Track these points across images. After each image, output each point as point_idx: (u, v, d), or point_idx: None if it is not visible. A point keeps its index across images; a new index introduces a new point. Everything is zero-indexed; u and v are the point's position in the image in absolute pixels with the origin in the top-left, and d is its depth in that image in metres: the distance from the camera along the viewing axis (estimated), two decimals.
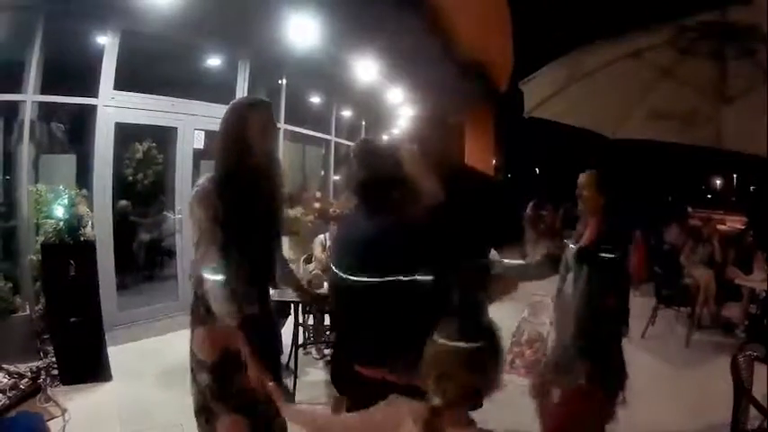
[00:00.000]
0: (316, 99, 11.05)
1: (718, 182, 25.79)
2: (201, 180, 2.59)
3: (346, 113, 12.18)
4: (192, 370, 2.81)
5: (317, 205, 7.43)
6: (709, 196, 19.62)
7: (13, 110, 5.66)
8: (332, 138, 11.00)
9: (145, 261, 8.55)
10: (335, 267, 2.38)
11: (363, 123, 13.31)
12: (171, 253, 7.78)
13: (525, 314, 6.47)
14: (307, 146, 10.96)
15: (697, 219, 10.27)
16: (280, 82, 8.74)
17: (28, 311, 5.25)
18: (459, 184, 2.37)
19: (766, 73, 3.71)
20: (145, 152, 7.90)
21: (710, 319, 7.43)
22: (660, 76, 4.19)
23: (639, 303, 7.48)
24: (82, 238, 4.96)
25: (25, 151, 5.49)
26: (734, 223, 11.73)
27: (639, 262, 9.61)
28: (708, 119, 4.32)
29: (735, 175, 26.05)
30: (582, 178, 3.77)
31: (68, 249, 4.85)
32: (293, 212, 7.28)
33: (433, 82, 9.51)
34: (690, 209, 11.67)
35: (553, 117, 4.91)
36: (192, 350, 2.76)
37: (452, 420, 1.61)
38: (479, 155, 13.47)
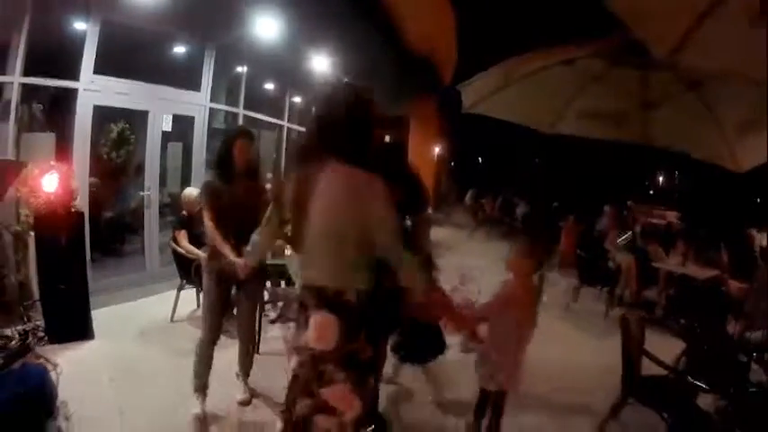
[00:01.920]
0: (270, 86, 11.71)
1: (660, 179, 27.15)
2: None
3: (297, 100, 12.64)
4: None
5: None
6: (651, 192, 20.75)
7: None
8: (285, 123, 11.58)
9: (113, 235, 8.83)
10: None
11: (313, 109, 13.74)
12: (137, 228, 8.12)
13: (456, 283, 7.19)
14: (261, 130, 11.44)
15: (635, 212, 11.13)
16: (240, 70, 9.32)
17: (13, 279, 5.58)
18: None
19: (687, 84, 4.52)
20: (119, 132, 8.34)
21: (632, 298, 8.27)
22: (590, 81, 5.01)
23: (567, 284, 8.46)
24: (72, 209, 5.39)
25: (11, 129, 5.90)
26: (672, 218, 12.67)
27: (570, 247, 10.52)
28: (634, 120, 5.17)
29: (677, 173, 27.53)
30: None
31: (60, 220, 5.25)
32: None
33: (380, 74, 10.14)
34: (631, 203, 12.41)
35: (490, 113, 5.68)
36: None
37: None
38: (422, 144, 14.00)
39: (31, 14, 5.90)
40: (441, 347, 3.95)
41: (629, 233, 8.99)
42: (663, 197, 17.56)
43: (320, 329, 2.48)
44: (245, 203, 3.93)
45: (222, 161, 4.01)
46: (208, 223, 3.95)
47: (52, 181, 5.28)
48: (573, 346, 6.07)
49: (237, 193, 3.98)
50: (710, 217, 11.07)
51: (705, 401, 3.59)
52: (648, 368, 3.90)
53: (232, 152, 3.96)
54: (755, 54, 2.60)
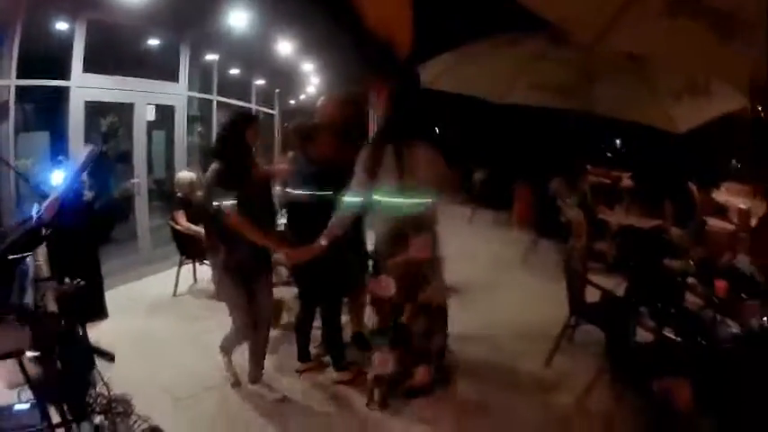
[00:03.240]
0: (237, 72, 12.01)
1: (618, 142, 28.14)
2: None
3: (261, 83, 13.08)
4: None
5: None
6: (609, 155, 21.40)
7: None
8: (253, 106, 12.05)
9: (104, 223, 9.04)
10: None
11: (277, 91, 14.34)
12: (127, 215, 8.44)
13: None
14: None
15: (593, 174, 11.96)
16: (211, 59, 9.76)
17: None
18: None
19: (628, 57, 5.11)
20: (108, 126, 8.70)
21: (582, 249, 8.99)
22: (537, 58, 5.58)
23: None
24: (84, 199, 5.67)
25: (11, 130, 6.28)
26: (626, 178, 13.51)
27: (526, 206, 11.38)
28: (579, 90, 5.71)
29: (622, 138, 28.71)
30: None
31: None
32: None
33: (340, 56, 10.66)
34: (589, 166, 13.17)
35: (447, 89, 6.29)
36: None
37: None
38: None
39: (23, 20, 6.23)
40: None
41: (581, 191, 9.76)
42: (619, 160, 18.29)
43: (423, 244, 3.77)
44: (264, 189, 4.10)
45: (237, 148, 3.90)
46: (233, 215, 3.74)
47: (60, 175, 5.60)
48: (531, 290, 6.85)
49: (256, 180, 3.98)
50: (656, 174, 11.79)
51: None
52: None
53: (245, 137, 3.91)
54: (675, 42, 3.21)
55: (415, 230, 3.87)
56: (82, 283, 3.11)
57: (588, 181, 10.59)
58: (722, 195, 8.68)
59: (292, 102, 16.65)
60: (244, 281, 3.98)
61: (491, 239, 10.58)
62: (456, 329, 4.55)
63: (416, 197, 3.88)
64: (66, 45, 6.78)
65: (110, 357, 4.32)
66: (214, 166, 3.89)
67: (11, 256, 2.56)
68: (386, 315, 4.05)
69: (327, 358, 4.60)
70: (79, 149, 6.76)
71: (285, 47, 10.12)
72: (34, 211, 2.63)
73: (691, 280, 4.35)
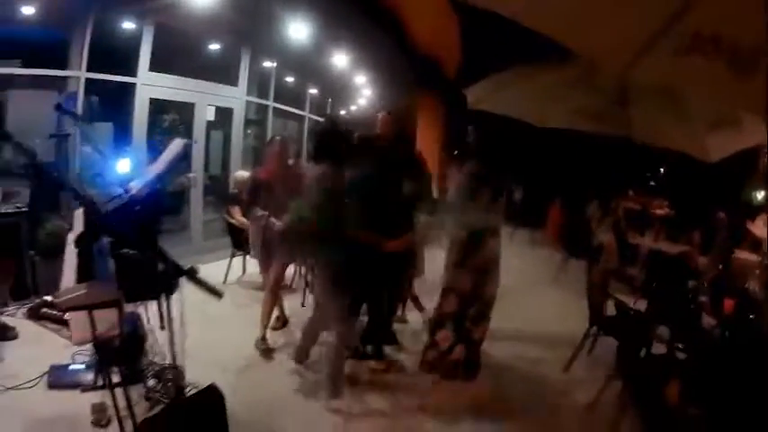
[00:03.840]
0: (292, 80, 12.50)
1: (662, 171, 27.92)
2: None
3: (314, 92, 13.63)
4: None
5: None
6: (652, 183, 21.23)
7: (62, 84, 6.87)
8: (306, 114, 12.55)
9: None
10: None
11: (329, 101, 14.92)
12: (179, 207, 8.85)
13: None
14: (287, 120, 12.46)
15: (632, 201, 12.23)
16: (268, 66, 10.26)
17: None
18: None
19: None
20: (170, 122, 9.24)
21: (614, 273, 9.18)
22: (576, 83, 5.77)
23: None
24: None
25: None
26: (664, 206, 13.69)
27: (559, 227, 11.73)
28: (613, 116, 5.87)
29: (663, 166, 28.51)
30: None
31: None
32: None
33: (391, 71, 11.07)
34: (631, 192, 13.46)
35: (492, 110, 6.42)
36: None
37: None
38: (428, 135, 14.78)
39: (94, 15, 6.73)
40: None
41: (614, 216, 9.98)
42: (662, 188, 18.26)
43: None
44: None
45: (339, 152, 4.27)
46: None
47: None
48: (559, 305, 7.13)
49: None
50: (689, 203, 11.94)
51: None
52: None
53: (345, 144, 4.39)
54: (697, 77, 3.47)
55: (492, 235, 4.56)
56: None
57: (622, 206, 10.80)
58: (758, 228, 8.76)
59: (343, 112, 17.11)
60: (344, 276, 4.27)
61: (526, 257, 10.83)
62: (489, 334, 4.91)
63: None
64: (134, 44, 7.31)
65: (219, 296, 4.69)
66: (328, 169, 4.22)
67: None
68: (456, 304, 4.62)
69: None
70: (142, 142, 7.32)
71: (340, 59, 10.55)
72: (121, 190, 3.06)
73: (703, 299, 4.61)
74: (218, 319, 5.50)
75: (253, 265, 6.48)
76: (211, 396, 3.10)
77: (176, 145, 3.58)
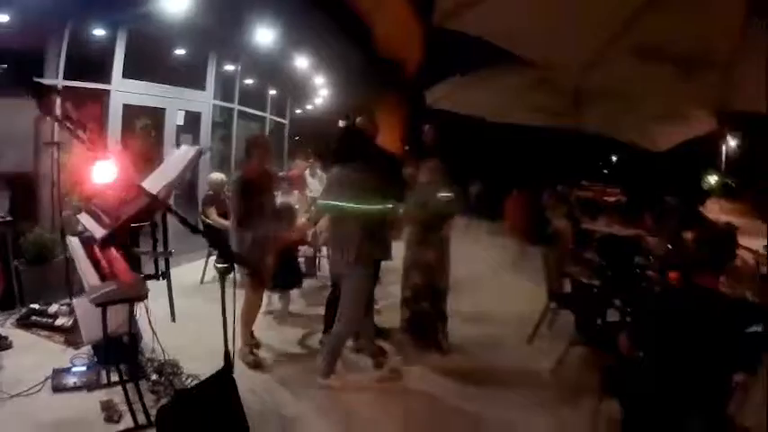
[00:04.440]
0: (253, 83, 12.63)
1: (614, 160, 28.88)
2: None
3: (273, 93, 13.80)
4: None
5: None
6: (605, 171, 22.00)
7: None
8: (267, 115, 12.74)
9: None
10: None
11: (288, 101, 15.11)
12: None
13: None
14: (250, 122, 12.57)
15: (584, 190, 12.83)
16: (232, 69, 10.40)
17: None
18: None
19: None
20: (142, 127, 9.36)
21: (571, 257, 9.67)
22: (530, 84, 6.15)
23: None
24: None
25: (57, 128, 6.74)
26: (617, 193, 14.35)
27: (517, 217, 12.16)
28: (568, 113, 6.38)
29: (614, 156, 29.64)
30: None
31: None
32: None
33: (351, 72, 11.36)
34: (584, 182, 14.12)
35: (449, 108, 7.04)
36: None
37: None
38: (389, 129, 15.06)
39: (70, 25, 6.89)
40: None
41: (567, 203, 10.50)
42: (614, 176, 19.03)
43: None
44: None
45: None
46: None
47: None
48: (519, 288, 7.55)
49: None
50: (640, 190, 12.60)
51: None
52: None
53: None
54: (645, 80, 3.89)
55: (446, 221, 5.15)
56: None
57: (575, 195, 11.37)
58: (714, 212, 9.29)
59: (298, 111, 17.31)
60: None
61: (486, 246, 11.32)
62: (456, 316, 5.39)
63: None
64: (107, 52, 7.49)
65: None
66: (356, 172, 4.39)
67: None
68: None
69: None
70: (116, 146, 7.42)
71: (301, 61, 10.81)
72: None
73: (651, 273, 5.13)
74: (200, 317, 5.66)
75: None
76: (223, 380, 3.29)
77: (188, 150, 3.83)
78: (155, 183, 3.85)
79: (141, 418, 3.64)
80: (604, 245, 9.04)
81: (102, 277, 3.48)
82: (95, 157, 3.32)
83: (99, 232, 3.58)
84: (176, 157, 3.70)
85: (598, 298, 4.90)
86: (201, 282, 7.06)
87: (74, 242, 4.21)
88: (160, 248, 5.04)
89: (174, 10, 7.01)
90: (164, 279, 5.74)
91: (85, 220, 4.14)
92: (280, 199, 6.57)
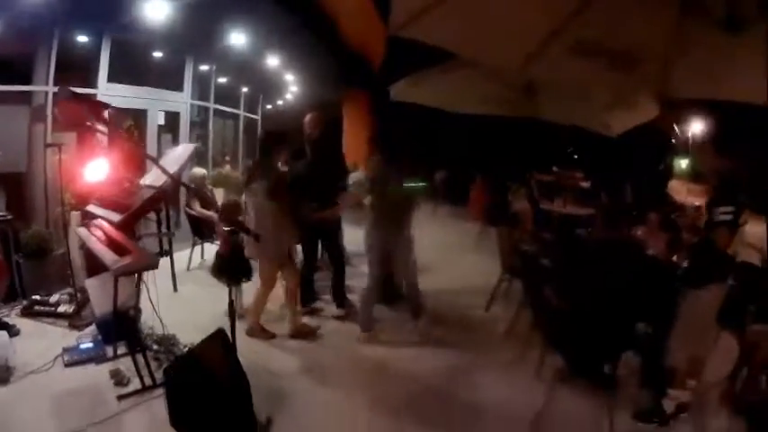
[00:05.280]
0: (228, 82, 13.04)
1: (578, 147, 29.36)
2: None
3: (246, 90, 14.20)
4: None
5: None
6: (576, 157, 22.42)
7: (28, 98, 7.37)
8: (241, 112, 13.13)
9: None
10: None
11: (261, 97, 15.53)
12: None
13: None
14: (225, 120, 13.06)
15: (549, 174, 13.44)
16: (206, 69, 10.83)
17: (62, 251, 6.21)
18: None
19: None
20: (126, 129, 9.68)
21: (530, 236, 10.23)
22: (485, 76, 6.60)
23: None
24: None
25: (49, 130, 7.24)
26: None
27: (480, 202, 12.77)
28: (523, 102, 6.99)
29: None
30: None
31: None
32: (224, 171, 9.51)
33: (321, 70, 11.84)
34: (555, 168, 14.74)
35: (415, 101, 7.48)
36: None
37: None
38: (355, 126, 15.51)
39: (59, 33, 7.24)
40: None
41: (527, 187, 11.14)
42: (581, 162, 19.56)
43: None
44: None
45: None
46: None
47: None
48: (480, 265, 7.97)
49: None
50: (599, 173, 13.21)
51: None
52: None
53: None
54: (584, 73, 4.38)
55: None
56: None
57: (535, 179, 12.01)
58: (681, 194, 9.89)
59: (269, 106, 17.68)
60: None
61: (451, 229, 11.94)
62: (424, 290, 5.81)
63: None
64: (92, 57, 7.86)
65: None
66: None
67: None
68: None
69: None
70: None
71: (273, 60, 11.25)
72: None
73: None
74: (191, 299, 6.19)
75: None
76: (219, 338, 3.73)
77: (187, 148, 4.33)
78: (158, 177, 4.31)
79: (147, 382, 4.10)
80: (560, 223, 9.75)
81: (120, 254, 3.90)
82: (95, 157, 3.80)
83: (116, 217, 4.05)
84: (176, 154, 4.15)
85: (540, 266, 5.47)
86: (188, 269, 7.41)
87: (82, 231, 4.63)
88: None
89: (155, 17, 7.40)
90: (167, 256, 6.41)
91: (97, 210, 4.58)
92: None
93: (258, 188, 4.99)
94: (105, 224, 4.57)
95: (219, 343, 3.66)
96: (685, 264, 4.50)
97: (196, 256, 7.67)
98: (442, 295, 6.70)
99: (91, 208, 4.82)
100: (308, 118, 5.94)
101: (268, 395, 3.98)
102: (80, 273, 5.78)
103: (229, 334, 3.57)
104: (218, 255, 5.71)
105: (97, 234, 4.46)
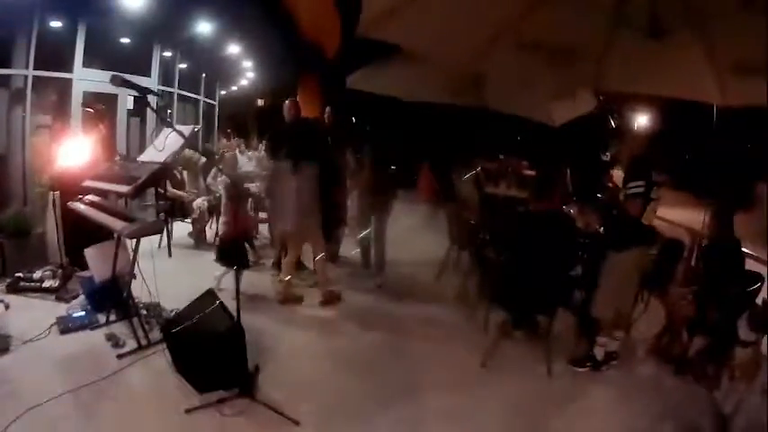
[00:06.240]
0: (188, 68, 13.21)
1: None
2: None
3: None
4: None
5: None
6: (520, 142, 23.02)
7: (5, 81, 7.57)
8: (201, 97, 13.45)
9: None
10: None
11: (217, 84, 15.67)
12: None
13: None
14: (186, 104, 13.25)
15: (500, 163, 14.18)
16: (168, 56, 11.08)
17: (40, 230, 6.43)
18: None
19: None
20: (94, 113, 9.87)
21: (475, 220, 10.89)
22: (435, 67, 6.79)
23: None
24: None
25: (28, 113, 7.50)
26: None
27: (428, 185, 13.47)
28: (472, 92, 7.41)
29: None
30: None
31: None
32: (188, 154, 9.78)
33: (277, 57, 12.21)
34: (501, 156, 15.41)
35: (367, 89, 7.99)
36: None
37: None
38: (309, 106, 15.83)
39: (39, 19, 7.46)
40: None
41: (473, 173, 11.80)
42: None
43: None
44: None
45: None
46: None
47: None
48: (430, 242, 8.58)
49: None
50: (541, 161, 13.99)
51: None
52: None
53: None
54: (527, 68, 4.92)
55: None
56: None
57: (480, 166, 12.72)
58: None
59: (223, 92, 17.89)
60: None
61: (403, 211, 12.51)
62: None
63: None
64: (68, 43, 8.11)
65: None
66: None
67: None
68: None
69: None
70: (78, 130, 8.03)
71: (233, 47, 11.59)
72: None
73: None
74: (165, 273, 6.17)
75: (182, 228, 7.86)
76: (210, 296, 4.20)
77: (186, 129, 4.77)
78: (157, 155, 4.78)
79: (143, 342, 4.47)
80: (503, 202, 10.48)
81: (127, 221, 4.35)
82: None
83: (125, 189, 4.53)
84: (176, 134, 4.49)
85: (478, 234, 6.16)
86: (159, 246, 7.45)
87: (81, 206, 4.94)
88: None
89: (129, 6, 7.68)
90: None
91: (102, 184, 5.00)
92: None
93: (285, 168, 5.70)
94: (96, 199, 4.98)
95: (211, 300, 4.12)
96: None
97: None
98: (397, 267, 7.28)
99: (90, 183, 5.11)
100: (286, 104, 6.55)
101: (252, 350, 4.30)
102: (59, 250, 6.05)
103: (234, 310, 3.92)
104: (220, 241, 6.13)
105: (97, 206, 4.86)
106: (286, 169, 5.66)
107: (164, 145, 4.71)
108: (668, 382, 4.57)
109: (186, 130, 4.88)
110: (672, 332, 4.93)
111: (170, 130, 4.52)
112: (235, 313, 3.86)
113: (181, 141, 4.70)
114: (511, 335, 4.90)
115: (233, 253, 5.50)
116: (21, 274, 5.69)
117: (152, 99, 9.78)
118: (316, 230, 5.89)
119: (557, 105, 7.31)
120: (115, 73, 3.46)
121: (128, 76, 3.83)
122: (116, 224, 4.34)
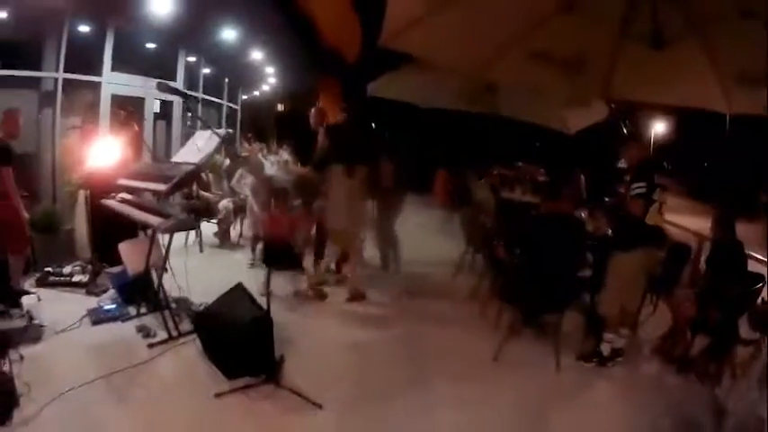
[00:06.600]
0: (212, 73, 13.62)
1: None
2: None
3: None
4: None
5: None
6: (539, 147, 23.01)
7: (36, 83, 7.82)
8: (224, 102, 13.76)
9: None
10: None
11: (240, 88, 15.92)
12: None
13: None
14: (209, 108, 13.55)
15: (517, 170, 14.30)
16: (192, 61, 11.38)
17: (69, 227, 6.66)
18: None
19: None
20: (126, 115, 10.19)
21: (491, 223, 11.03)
22: (450, 74, 6.81)
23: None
24: None
25: (58, 114, 7.75)
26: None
27: (444, 190, 13.65)
28: (486, 99, 7.57)
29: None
30: None
31: None
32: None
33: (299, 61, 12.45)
34: (520, 163, 15.50)
35: (386, 96, 8.28)
36: None
37: None
38: (330, 112, 16.02)
39: (69, 24, 7.73)
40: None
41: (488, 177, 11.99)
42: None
43: None
44: None
45: None
46: None
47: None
48: (447, 245, 8.79)
49: None
50: (556, 167, 14.12)
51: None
52: None
53: None
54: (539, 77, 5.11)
55: None
56: None
57: (498, 172, 12.92)
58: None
59: (245, 97, 18.16)
60: None
61: (416, 213, 12.73)
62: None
63: None
64: (98, 47, 8.38)
65: None
66: None
67: None
68: None
69: None
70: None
71: (256, 53, 11.86)
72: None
73: None
74: (198, 268, 6.40)
75: (206, 229, 8.01)
76: (240, 289, 4.40)
77: (218, 132, 5.01)
78: (191, 156, 4.97)
79: (173, 333, 4.64)
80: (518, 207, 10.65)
81: (162, 216, 4.54)
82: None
83: (162, 187, 4.67)
84: (209, 137, 4.74)
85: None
86: (185, 244, 7.55)
87: (115, 204, 5.13)
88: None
89: (158, 12, 7.97)
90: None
91: (137, 183, 5.18)
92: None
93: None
94: (129, 196, 5.20)
95: (240, 293, 4.36)
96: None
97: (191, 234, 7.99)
98: (414, 267, 7.49)
99: (124, 181, 5.31)
100: (312, 111, 6.76)
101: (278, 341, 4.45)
102: (88, 246, 6.25)
103: (265, 305, 4.11)
104: (265, 243, 6.03)
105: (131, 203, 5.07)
106: (338, 172, 5.93)
107: (201, 146, 4.94)
108: (671, 379, 4.74)
109: (218, 133, 5.10)
110: (676, 334, 5.09)
111: (208, 132, 4.76)
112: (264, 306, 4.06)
113: (215, 144, 4.91)
114: (521, 332, 5.09)
115: (283, 254, 5.50)
116: (50, 269, 5.83)
117: (178, 103, 10.34)
118: (361, 229, 6.32)
119: (571, 113, 7.48)
120: (161, 80, 3.66)
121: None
122: (152, 220, 4.53)
